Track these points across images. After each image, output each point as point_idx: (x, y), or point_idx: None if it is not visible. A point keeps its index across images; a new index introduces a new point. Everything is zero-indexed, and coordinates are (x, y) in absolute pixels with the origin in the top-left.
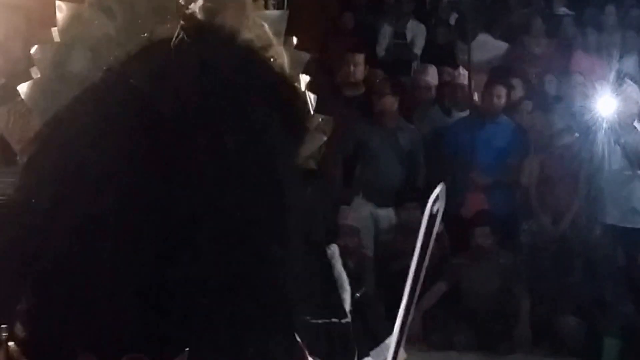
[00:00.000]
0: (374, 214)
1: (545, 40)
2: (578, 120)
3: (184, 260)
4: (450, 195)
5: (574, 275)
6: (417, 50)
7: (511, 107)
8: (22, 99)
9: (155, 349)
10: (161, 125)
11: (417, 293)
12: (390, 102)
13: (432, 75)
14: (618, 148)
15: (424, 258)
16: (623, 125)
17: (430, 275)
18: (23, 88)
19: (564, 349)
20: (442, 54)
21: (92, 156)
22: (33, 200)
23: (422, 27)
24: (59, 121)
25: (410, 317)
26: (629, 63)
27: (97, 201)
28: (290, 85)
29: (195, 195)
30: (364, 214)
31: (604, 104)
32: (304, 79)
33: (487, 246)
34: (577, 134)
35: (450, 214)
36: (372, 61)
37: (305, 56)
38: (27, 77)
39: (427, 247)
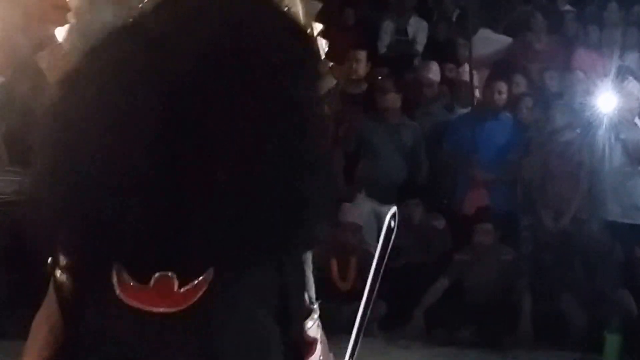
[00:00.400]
0: (376, 210)
1: (546, 36)
2: (579, 117)
3: (210, 182)
4: (451, 192)
5: (576, 270)
6: (419, 46)
7: (512, 103)
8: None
9: (183, 266)
10: (182, 68)
11: (372, 300)
12: (393, 99)
13: (434, 72)
14: (619, 144)
15: (381, 267)
16: (623, 121)
17: (432, 272)
18: (60, 31)
19: (566, 344)
20: (443, 50)
21: (111, 97)
22: (63, 137)
23: (424, 23)
24: (83, 64)
25: (364, 324)
26: (631, 59)
27: (122, 134)
28: (304, 31)
29: (218, 134)
30: (366, 211)
31: (605, 101)
32: (317, 27)
33: (489, 242)
34: (578, 130)
35: (452, 210)
36: (373, 58)
37: (317, 5)
38: (26, 72)
39: (384, 258)
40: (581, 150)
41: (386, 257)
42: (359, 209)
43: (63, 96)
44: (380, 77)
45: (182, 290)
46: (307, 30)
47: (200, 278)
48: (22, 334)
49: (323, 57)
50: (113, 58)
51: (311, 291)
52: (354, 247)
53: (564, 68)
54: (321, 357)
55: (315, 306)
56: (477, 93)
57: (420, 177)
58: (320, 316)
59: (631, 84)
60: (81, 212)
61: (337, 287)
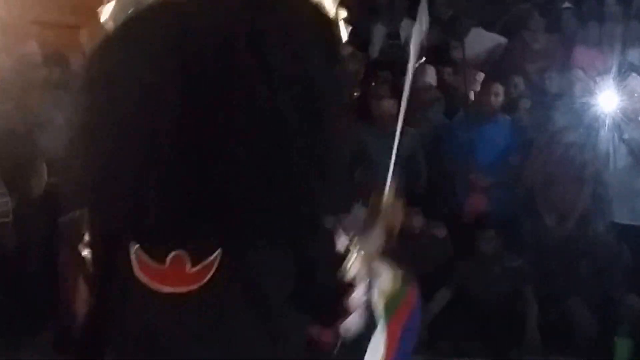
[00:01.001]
0: None
1: (544, 35)
2: (581, 117)
3: (225, 163)
4: (452, 199)
5: (582, 275)
6: None
7: (510, 105)
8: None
9: (194, 246)
10: (205, 47)
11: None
12: (389, 105)
13: (430, 76)
14: (623, 144)
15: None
16: (627, 121)
17: (434, 282)
18: (104, 9)
19: (574, 351)
20: (438, 53)
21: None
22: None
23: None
24: (113, 38)
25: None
26: (633, 55)
27: (144, 110)
28: (326, 15)
29: (236, 116)
30: (362, 221)
31: (607, 99)
32: (342, 13)
33: (492, 249)
34: (580, 131)
35: (453, 217)
36: (365, 63)
37: None
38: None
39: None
40: (584, 151)
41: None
42: (355, 220)
43: (93, 69)
44: (374, 83)
45: (193, 270)
46: (329, 15)
47: (210, 258)
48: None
49: (345, 41)
50: (141, 34)
51: (339, 242)
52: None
53: (563, 67)
54: (366, 293)
55: (354, 246)
56: (471, 95)
57: (420, 185)
58: None
59: (635, 80)
60: (103, 188)
61: None
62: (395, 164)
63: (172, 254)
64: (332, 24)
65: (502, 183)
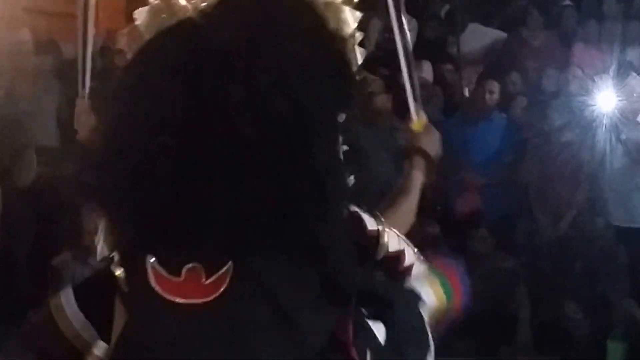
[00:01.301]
0: None
1: (543, 32)
2: (578, 116)
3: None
4: (445, 197)
5: (576, 277)
6: (409, 45)
7: (506, 103)
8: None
9: (207, 258)
10: (214, 66)
11: None
12: (384, 101)
13: (426, 72)
14: (620, 145)
15: None
16: (625, 121)
17: None
18: (140, 12)
19: (566, 353)
20: (434, 49)
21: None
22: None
23: (414, 21)
24: (138, 52)
25: None
26: (633, 55)
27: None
28: (338, 39)
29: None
30: None
31: (606, 99)
32: (358, 36)
33: (484, 249)
34: (577, 131)
35: (445, 216)
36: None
37: (358, 15)
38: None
39: None
40: (580, 151)
41: None
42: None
43: (121, 81)
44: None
45: (208, 281)
46: (340, 38)
47: (223, 270)
48: None
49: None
50: (160, 52)
51: (368, 225)
52: None
53: (561, 65)
54: (414, 251)
55: (381, 223)
56: (466, 92)
57: None
58: None
59: (634, 80)
60: (121, 201)
61: None
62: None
63: (188, 266)
64: (346, 49)
65: (496, 182)
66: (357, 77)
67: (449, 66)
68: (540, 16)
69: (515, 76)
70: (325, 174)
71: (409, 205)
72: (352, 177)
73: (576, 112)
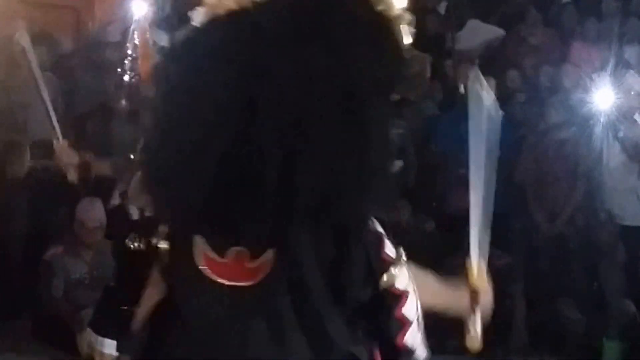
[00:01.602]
0: None
1: (541, 29)
2: (576, 114)
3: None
4: (441, 193)
5: (572, 275)
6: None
7: (503, 100)
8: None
9: (252, 244)
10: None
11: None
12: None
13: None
14: (617, 143)
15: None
16: (622, 119)
17: None
18: (197, 13)
19: (562, 352)
20: (432, 45)
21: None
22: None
23: (411, 16)
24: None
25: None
26: (631, 53)
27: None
28: (388, 20)
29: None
30: None
31: (603, 96)
32: (406, 17)
33: None
34: (574, 128)
35: (441, 213)
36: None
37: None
38: None
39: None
40: (578, 148)
41: None
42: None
43: (168, 68)
44: None
45: (251, 265)
46: (390, 19)
47: (266, 256)
48: None
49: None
50: (213, 39)
51: (386, 249)
52: None
53: (559, 62)
54: (418, 307)
55: (400, 257)
56: (461, 89)
57: (409, 178)
58: None
59: (632, 78)
60: (172, 184)
61: None
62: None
63: (234, 249)
64: (393, 26)
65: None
66: (407, 56)
67: (447, 62)
68: (539, 14)
69: (513, 73)
70: (377, 160)
71: (434, 296)
72: (399, 162)
73: (574, 109)
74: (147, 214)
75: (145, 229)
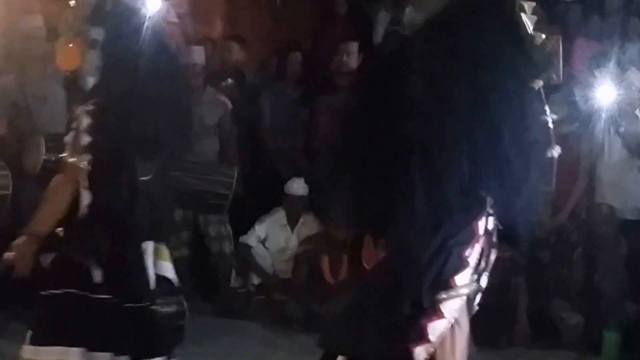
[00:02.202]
0: None
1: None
2: (577, 109)
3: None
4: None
5: (573, 267)
6: None
7: None
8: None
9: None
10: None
11: None
12: None
13: None
14: (618, 138)
15: None
16: (624, 114)
17: None
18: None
19: (563, 343)
20: None
21: None
22: None
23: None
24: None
25: None
26: (632, 50)
27: None
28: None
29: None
30: None
31: (605, 92)
32: (527, 5)
33: None
34: (577, 124)
35: None
36: (368, 48)
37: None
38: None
39: None
40: (579, 144)
41: None
42: None
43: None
44: None
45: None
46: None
47: (382, 244)
48: None
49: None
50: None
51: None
52: (345, 242)
53: (562, 59)
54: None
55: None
56: None
57: None
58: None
59: (633, 74)
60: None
61: (328, 283)
62: None
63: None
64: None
65: None
66: (536, 43)
67: None
68: (542, 11)
69: None
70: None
71: None
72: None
73: (575, 105)
74: None
75: None
